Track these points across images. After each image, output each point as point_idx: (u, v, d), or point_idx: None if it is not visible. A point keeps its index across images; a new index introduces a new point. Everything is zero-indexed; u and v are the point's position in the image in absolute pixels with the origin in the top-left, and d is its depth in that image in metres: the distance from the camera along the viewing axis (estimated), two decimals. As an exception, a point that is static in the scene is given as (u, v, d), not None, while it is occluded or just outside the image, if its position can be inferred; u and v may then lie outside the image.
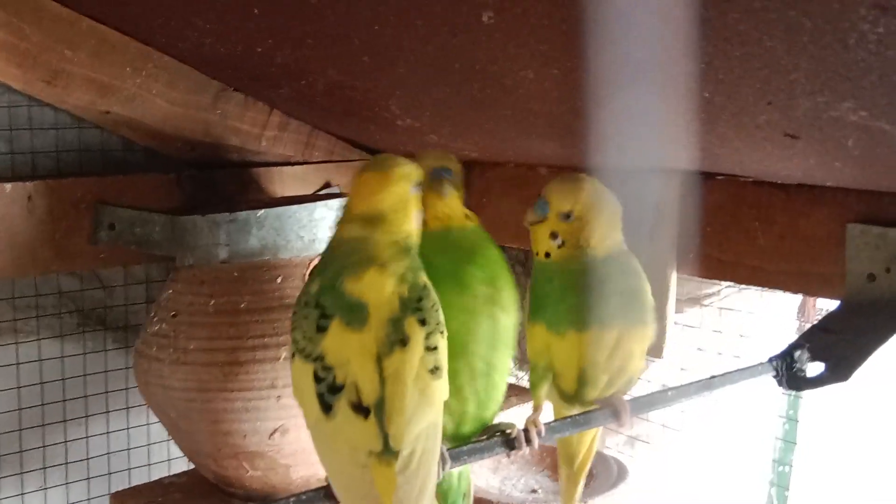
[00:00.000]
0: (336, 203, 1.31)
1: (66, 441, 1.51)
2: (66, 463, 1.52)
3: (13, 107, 1.37)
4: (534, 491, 1.40)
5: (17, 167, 1.39)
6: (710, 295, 1.44)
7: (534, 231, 0.94)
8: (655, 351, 1.26)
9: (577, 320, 0.91)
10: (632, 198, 1.33)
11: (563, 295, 0.92)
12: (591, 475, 1.37)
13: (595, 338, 0.91)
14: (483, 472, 1.43)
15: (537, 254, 0.94)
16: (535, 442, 0.84)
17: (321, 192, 1.56)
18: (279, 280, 1.25)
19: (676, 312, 1.32)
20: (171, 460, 1.59)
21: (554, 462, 1.47)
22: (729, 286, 1.42)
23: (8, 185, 1.29)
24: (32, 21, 1.29)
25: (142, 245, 1.33)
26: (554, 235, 0.92)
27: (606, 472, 1.38)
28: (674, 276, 1.27)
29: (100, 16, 1.32)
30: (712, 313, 1.45)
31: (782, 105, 0.82)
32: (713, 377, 1.01)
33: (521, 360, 1.80)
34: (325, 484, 0.76)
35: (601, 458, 1.42)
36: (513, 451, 0.84)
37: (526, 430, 0.85)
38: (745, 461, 1.55)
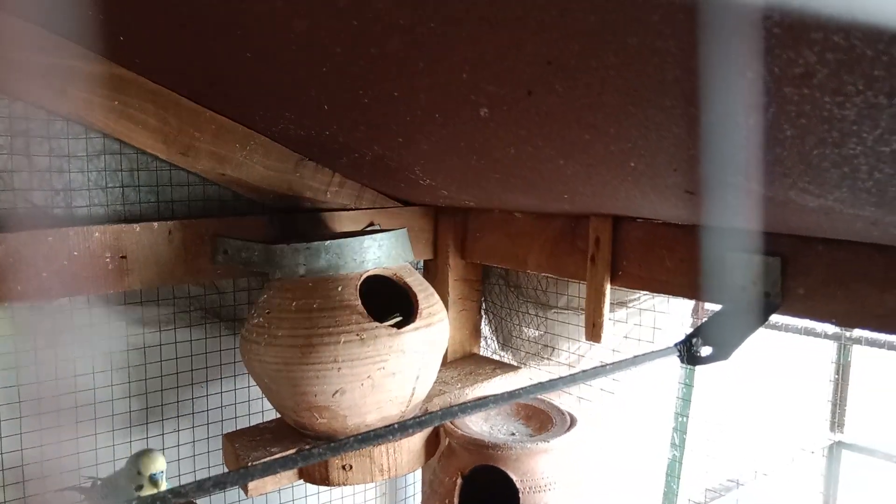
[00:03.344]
0: (379, 236, 1.31)
1: (192, 398, 1.50)
2: (193, 413, 1.51)
3: (160, 170, 1.37)
4: (513, 434, 1.39)
5: (162, 212, 1.39)
6: (633, 300, 1.44)
7: None
8: (595, 339, 1.25)
9: None
10: (580, 233, 1.34)
11: None
12: (550, 423, 1.36)
13: None
14: (478, 421, 1.42)
15: None
16: None
17: (367, 229, 1.55)
18: (339, 289, 1.24)
19: (610, 312, 1.32)
20: (264, 411, 1.58)
21: (527, 414, 1.46)
22: (646, 294, 1.41)
23: (156, 224, 1.29)
24: (173, 112, 1.29)
25: (246, 265, 1.33)
26: None
27: (562, 421, 1.37)
28: (608, 287, 1.26)
29: (218, 109, 1.32)
30: (634, 312, 1.45)
31: (684, 171, 0.82)
32: (636, 356, 1.00)
33: (504, 344, 1.79)
34: None
35: (558, 410, 1.41)
36: None
37: None
38: (656, 414, 1.54)
